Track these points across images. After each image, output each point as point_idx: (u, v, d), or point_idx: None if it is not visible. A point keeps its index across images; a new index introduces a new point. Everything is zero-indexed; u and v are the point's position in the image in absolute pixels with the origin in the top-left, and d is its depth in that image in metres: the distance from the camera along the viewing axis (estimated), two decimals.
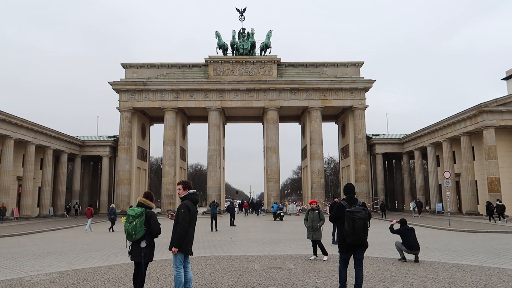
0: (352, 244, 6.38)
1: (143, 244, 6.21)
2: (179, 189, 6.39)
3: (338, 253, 6.70)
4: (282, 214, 34.94)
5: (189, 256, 6.37)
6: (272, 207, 36.74)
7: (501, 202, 28.32)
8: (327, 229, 15.91)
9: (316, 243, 10.80)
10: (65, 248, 14.99)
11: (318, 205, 11.47)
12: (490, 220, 27.63)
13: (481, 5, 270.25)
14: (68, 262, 11.23)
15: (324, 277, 8.18)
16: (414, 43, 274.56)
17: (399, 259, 10.56)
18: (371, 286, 7.43)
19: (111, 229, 23.92)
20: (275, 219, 34.38)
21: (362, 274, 6.53)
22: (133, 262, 6.33)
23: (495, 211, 27.61)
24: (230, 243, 15.60)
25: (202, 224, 28.23)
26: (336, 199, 15.24)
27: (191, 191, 6.41)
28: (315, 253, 10.83)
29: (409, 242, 10.46)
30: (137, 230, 6.10)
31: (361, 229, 6.29)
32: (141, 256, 6.17)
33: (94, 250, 14.19)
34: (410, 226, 11.27)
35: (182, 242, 6.07)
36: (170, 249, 6.10)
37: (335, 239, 14.08)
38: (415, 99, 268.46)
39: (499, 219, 27.36)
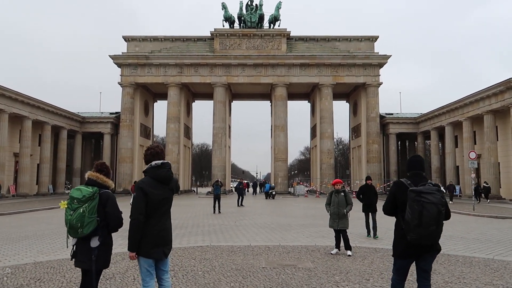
0: (416, 244, 4.19)
1: (94, 243, 4.11)
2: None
3: (392, 258, 4.53)
4: (273, 193, 37.79)
5: (165, 260, 4.21)
6: (265, 186, 40.27)
7: (488, 184, 30.76)
8: (355, 218, 13.90)
9: (341, 234, 8.75)
10: (47, 231, 13.18)
11: (344, 186, 9.33)
12: (476, 200, 28.20)
13: None
14: (39, 251, 9.37)
15: (357, 282, 6.16)
16: (426, 21, 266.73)
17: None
18: None
19: None
20: (266, 198, 37.07)
21: None
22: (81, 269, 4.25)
23: (482, 192, 30.26)
24: (234, 229, 13.66)
25: (205, 205, 26.43)
26: (369, 181, 11.94)
27: (156, 162, 4.15)
28: (337, 245, 8.77)
29: None
30: (85, 221, 3.98)
31: (434, 219, 4.04)
32: (92, 261, 4.07)
33: None
34: None
35: (137, 242, 3.96)
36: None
37: (371, 232, 11.68)
38: (426, 79, 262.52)
39: (486, 199, 30.34)
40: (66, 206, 4.14)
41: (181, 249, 9.08)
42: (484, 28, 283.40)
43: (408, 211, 4.17)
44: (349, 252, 8.46)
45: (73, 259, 4.18)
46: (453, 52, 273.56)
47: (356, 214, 13.85)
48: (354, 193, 33.28)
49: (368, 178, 12.26)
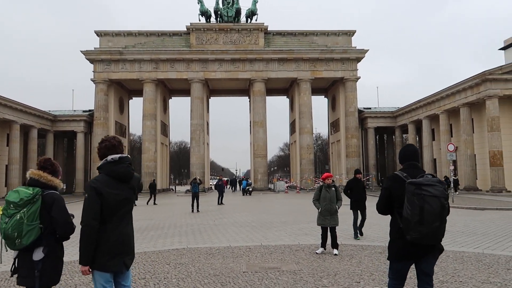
0: (416, 244, 3.69)
1: (37, 255, 3.37)
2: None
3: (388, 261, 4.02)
4: (250, 189, 38.69)
5: (126, 273, 3.52)
6: (242, 183, 41.71)
7: (456, 177, 31.77)
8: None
9: (332, 232, 8.18)
10: None
11: (333, 181, 8.77)
12: (455, 192, 29.31)
13: None
14: None
15: (347, 285, 5.64)
16: (400, 17, 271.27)
17: None
18: None
19: None
20: (243, 194, 37.95)
21: None
22: None
23: (452, 185, 30.62)
24: (213, 228, 13.02)
25: (183, 204, 25.66)
26: (359, 175, 10.86)
27: (113, 157, 3.48)
28: (323, 244, 8.23)
29: None
30: (23, 229, 3.25)
31: (437, 215, 3.56)
32: (35, 277, 3.33)
33: None
34: None
35: (91, 253, 3.28)
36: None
37: (358, 233, 10.58)
38: (403, 74, 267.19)
39: (455, 191, 30.09)
40: (1, 213, 3.41)
41: (155, 253, 8.40)
42: (456, 24, 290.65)
43: (407, 206, 3.66)
44: (335, 251, 7.97)
45: (13, 275, 3.44)
46: (427, 47, 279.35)
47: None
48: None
49: (357, 171, 11.09)
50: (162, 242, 10.24)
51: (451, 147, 24.25)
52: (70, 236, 3.50)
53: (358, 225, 10.59)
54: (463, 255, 7.82)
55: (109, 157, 3.46)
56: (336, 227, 8.30)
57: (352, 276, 6.12)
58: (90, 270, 3.30)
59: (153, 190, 27.30)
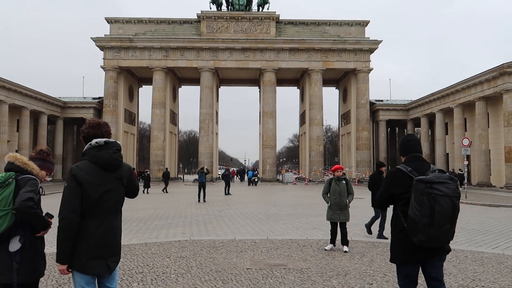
0: (425, 247, 3.32)
1: (14, 246, 3.00)
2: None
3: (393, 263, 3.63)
4: (256, 180, 38.93)
5: (112, 276, 3.06)
6: (248, 173, 42.43)
7: (462, 171, 29.81)
8: (365, 212, 12.53)
9: (342, 227, 7.73)
10: None
11: (344, 173, 8.30)
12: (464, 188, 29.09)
13: None
14: None
15: (358, 287, 5.22)
16: (414, 9, 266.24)
17: None
18: None
19: None
20: (249, 184, 38.43)
21: None
22: None
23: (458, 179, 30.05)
24: (218, 219, 12.66)
25: (190, 193, 25.41)
26: (383, 168, 9.72)
27: (97, 141, 3.02)
28: (333, 241, 7.79)
29: None
30: None
31: (448, 216, 3.21)
32: (12, 269, 2.96)
33: None
34: None
35: (70, 251, 2.85)
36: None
37: (366, 230, 9.65)
38: (416, 67, 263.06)
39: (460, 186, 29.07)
40: None
41: (157, 245, 8.06)
42: (471, 17, 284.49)
43: (414, 206, 3.26)
44: (345, 248, 7.53)
45: None
46: (441, 40, 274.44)
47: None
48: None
49: (380, 164, 9.91)
50: (165, 233, 9.92)
51: (465, 142, 23.52)
52: (48, 228, 3.11)
53: (380, 224, 9.45)
54: (482, 256, 7.34)
55: (93, 141, 3.03)
56: (347, 223, 7.86)
57: (364, 276, 5.69)
58: (69, 270, 2.90)
59: (166, 178, 28.63)
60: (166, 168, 35.43)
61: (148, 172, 30.66)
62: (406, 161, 3.66)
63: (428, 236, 3.22)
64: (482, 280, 5.67)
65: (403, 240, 3.43)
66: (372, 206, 9.71)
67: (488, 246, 8.60)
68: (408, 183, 3.42)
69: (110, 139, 3.08)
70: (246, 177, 51.10)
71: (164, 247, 7.75)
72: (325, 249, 7.62)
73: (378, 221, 9.53)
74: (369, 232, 9.67)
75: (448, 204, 3.20)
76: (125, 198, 3.23)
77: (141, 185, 29.07)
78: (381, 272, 5.97)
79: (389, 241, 8.31)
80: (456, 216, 3.29)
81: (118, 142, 3.14)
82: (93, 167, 2.96)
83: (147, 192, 26.49)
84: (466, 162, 23.79)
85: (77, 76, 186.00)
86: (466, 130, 36.60)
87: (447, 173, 3.49)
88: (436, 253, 3.41)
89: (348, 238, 7.92)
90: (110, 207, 3.00)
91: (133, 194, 3.30)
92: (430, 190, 3.21)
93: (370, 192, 9.57)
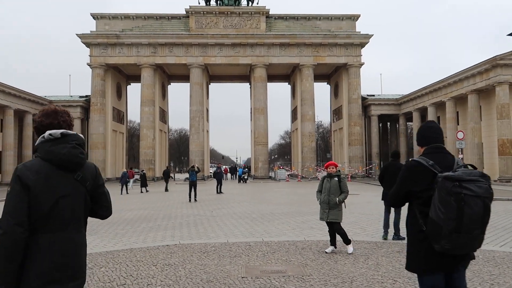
0: (449, 255, 2.79)
1: None
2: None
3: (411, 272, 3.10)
4: (245, 177, 39.40)
5: None
6: (238, 171, 42.74)
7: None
8: (361, 208, 11.89)
9: (334, 228, 7.18)
10: None
11: (339, 170, 7.71)
12: None
13: None
14: None
15: None
16: (404, 5, 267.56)
17: None
18: None
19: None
20: (239, 182, 38.69)
21: None
22: None
23: None
24: (210, 220, 12.04)
25: (181, 192, 24.73)
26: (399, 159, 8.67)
27: (52, 133, 2.37)
28: (333, 242, 7.23)
29: None
30: None
31: (478, 221, 2.67)
32: None
33: None
34: None
35: (14, 275, 2.16)
36: None
37: (399, 232, 8.30)
38: (407, 62, 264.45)
39: None
40: None
41: (143, 250, 7.42)
42: (461, 13, 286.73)
43: (438, 208, 2.71)
44: (350, 249, 6.95)
45: None
46: (431, 36, 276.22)
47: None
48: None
49: (395, 154, 8.89)
50: (153, 236, 9.28)
51: (460, 135, 23.24)
52: None
53: (394, 223, 8.41)
54: (494, 255, 6.87)
55: (47, 133, 2.38)
56: (341, 222, 7.20)
57: (372, 284, 5.12)
58: None
59: (166, 177, 29.03)
60: (167, 167, 36.13)
61: (144, 171, 30.15)
62: (425, 152, 3.08)
63: (454, 243, 2.68)
64: (500, 284, 5.17)
65: (422, 243, 2.88)
66: (383, 199, 8.75)
67: (495, 244, 8.17)
68: (430, 179, 2.86)
69: (69, 131, 2.44)
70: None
71: (150, 253, 7.11)
72: (326, 252, 7.03)
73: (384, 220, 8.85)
74: (385, 237, 8.45)
75: (480, 206, 2.66)
76: (105, 206, 2.57)
77: (137, 185, 28.84)
78: (390, 277, 5.42)
79: (399, 242, 7.79)
80: (487, 220, 2.75)
81: (80, 135, 2.49)
82: (46, 166, 2.31)
83: (146, 191, 26.48)
84: (461, 156, 23.49)
85: (63, 74, 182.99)
86: (458, 124, 36.43)
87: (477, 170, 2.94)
88: (462, 259, 2.88)
89: (349, 237, 7.35)
90: (69, 217, 2.34)
91: (100, 206, 2.53)
92: (459, 189, 2.65)
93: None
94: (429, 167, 2.91)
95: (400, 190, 3.06)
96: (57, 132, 2.37)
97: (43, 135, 2.38)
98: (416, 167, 2.98)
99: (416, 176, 2.96)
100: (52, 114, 2.45)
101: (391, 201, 3.22)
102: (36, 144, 2.41)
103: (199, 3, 43.87)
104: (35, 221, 2.25)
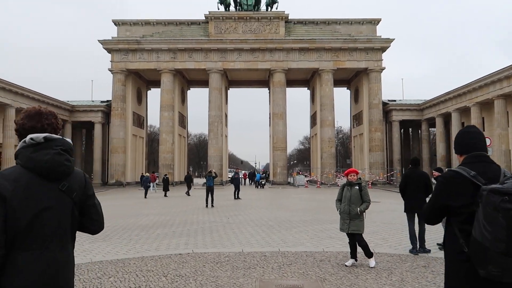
0: (496, 281, 2.35)
1: None
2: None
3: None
4: (263, 182, 39.89)
5: None
6: (255, 176, 43.39)
7: None
8: (383, 217, 11.36)
9: (355, 239, 6.79)
10: None
11: (360, 178, 7.29)
12: None
13: None
14: None
15: None
16: (425, 7, 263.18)
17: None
18: None
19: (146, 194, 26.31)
20: (256, 187, 39.24)
21: None
22: None
23: None
24: (225, 227, 11.77)
25: (198, 197, 24.58)
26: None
27: (33, 137, 2.10)
28: (353, 255, 6.82)
29: None
30: None
31: None
32: None
33: None
34: None
35: None
36: None
37: (424, 245, 7.90)
38: (429, 67, 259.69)
39: None
40: None
41: (154, 259, 7.19)
42: (484, 15, 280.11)
43: (484, 226, 2.30)
44: (372, 263, 6.55)
45: None
46: (454, 40, 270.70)
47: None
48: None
49: (415, 161, 8.40)
50: (167, 244, 9.05)
51: (487, 142, 22.30)
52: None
53: (419, 236, 7.91)
54: None
55: (28, 137, 2.13)
56: (363, 234, 6.80)
57: None
58: None
59: (189, 181, 29.39)
60: (188, 171, 36.29)
61: (167, 176, 30.43)
62: (465, 161, 2.68)
63: (503, 268, 2.26)
64: None
65: (464, 264, 2.49)
66: (405, 211, 8.28)
67: None
68: (471, 192, 2.47)
69: (53, 135, 2.19)
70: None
71: (162, 262, 6.87)
72: (346, 265, 6.65)
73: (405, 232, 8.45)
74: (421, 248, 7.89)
75: None
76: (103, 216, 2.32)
77: (160, 188, 29.93)
78: None
79: (425, 255, 7.28)
80: None
81: (67, 140, 2.23)
82: (26, 174, 2.06)
83: (166, 196, 26.84)
84: None
85: (86, 80, 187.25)
86: (484, 130, 35.20)
87: None
88: (510, 287, 2.42)
89: (371, 249, 6.95)
90: (51, 233, 2.08)
91: (89, 219, 2.27)
92: (509, 205, 2.26)
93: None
94: (471, 178, 2.52)
95: (435, 204, 2.67)
96: (39, 136, 2.12)
97: (24, 139, 2.14)
98: (454, 178, 2.59)
99: (454, 188, 2.57)
100: (36, 116, 2.20)
101: (424, 216, 2.84)
102: (16, 149, 2.17)
103: (218, 9, 44.03)
104: (14, 237, 1.99)
